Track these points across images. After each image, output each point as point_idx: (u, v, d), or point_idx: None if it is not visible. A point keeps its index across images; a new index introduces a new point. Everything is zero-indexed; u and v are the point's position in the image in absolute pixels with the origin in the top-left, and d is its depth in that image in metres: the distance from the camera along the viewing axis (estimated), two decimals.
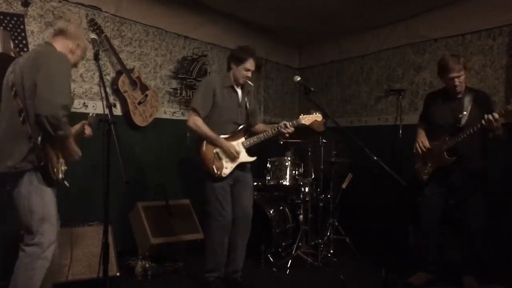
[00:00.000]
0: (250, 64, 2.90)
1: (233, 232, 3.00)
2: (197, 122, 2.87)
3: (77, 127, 2.39)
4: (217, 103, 2.92)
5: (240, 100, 3.01)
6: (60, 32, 2.20)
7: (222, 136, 2.90)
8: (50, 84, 1.94)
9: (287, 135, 2.95)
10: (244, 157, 2.95)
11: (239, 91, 3.02)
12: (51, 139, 2.01)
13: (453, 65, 2.91)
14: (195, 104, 2.91)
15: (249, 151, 2.99)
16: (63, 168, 2.15)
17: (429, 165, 3.10)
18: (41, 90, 1.93)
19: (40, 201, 2.05)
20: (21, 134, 2.01)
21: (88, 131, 2.42)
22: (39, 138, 1.96)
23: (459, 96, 3.02)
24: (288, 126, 2.90)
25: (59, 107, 1.91)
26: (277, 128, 2.94)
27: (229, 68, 3.01)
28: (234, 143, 2.93)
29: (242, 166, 2.97)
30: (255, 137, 2.98)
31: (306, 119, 2.98)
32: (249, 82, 3.02)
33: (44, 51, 2.10)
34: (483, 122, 2.71)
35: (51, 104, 1.90)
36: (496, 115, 2.65)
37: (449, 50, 4.14)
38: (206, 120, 2.91)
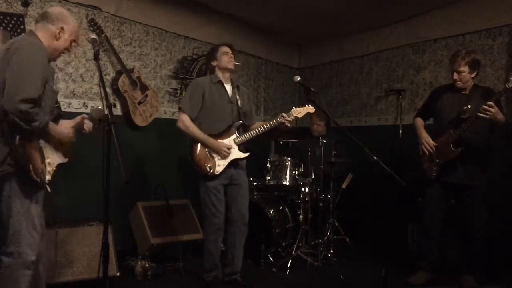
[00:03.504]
0: (223, 48, 3.00)
1: (230, 233, 3.02)
2: (185, 122, 2.90)
3: (77, 119, 2.23)
4: (207, 102, 2.94)
5: (230, 95, 3.03)
6: (41, 17, 2.08)
7: (213, 134, 2.92)
8: (15, 77, 1.83)
9: (288, 124, 2.96)
10: (236, 154, 2.96)
11: (228, 87, 3.04)
12: (31, 136, 1.89)
13: (456, 59, 2.94)
14: (183, 104, 2.95)
15: (242, 147, 3.00)
16: (51, 168, 2.05)
17: (437, 161, 3.09)
18: (7, 84, 1.83)
19: (20, 207, 1.95)
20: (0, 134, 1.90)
21: (88, 126, 2.24)
22: (17, 137, 1.85)
23: (466, 92, 3.02)
24: (285, 116, 2.93)
25: (21, 102, 1.78)
26: (274, 122, 2.96)
27: (212, 71, 3.07)
28: (226, 140, 2.94)
29: (235, 163, 2.98)
30: (247, 133, 2.99)
31: (297, 112, 3.00)
32: (237, 63, 3.05)
33: (18, 40, 1.98)
34: (479, 113, 2.73)
35: (14, 99, 1.79)
36: (491, 103, 2.68)
37: (449, 50, 4.14)
38: (198, 120, 2.93)
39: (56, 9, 2.13)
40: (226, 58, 2.97)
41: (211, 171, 2.88)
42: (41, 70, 1.92)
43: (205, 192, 2.91)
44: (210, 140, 2.89)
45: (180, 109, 2.96)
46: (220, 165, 2.91)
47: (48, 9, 2.14)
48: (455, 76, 2.97)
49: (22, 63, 1.86)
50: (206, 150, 2.90)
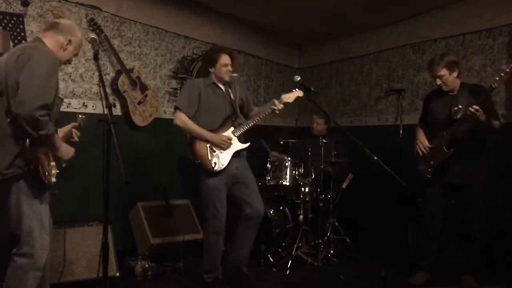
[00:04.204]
0: (224, 59, 2.98)
1: (245, 227, 2.98)
2: (183, 118, 2.90)
3: (66, 129, 2.27)
4: (204, 102, 2.96)
5: (225, 94, 3.06)
6: (51, 26, 2.13)
7: (211, 129, 2.93)
8: (30, 83, 1.86)
9: (277, 111, 3.00)
10: (237, 145, 2.97)
11: (222, 86, 3.06)
12: (39, 140, 1.92)
13: (432, 66, 2.99)
14: (180, 103, 2.96)
15: (241, 138, 3.02)
16: (55, 171, 2.06)
17: (432, 162, 3.10)
18: (21, 89, 1.86)
19: (29, 210, 1.97)
20: (8, 136, 1.91)
21: (75, 137, 2.28)
22: (28, 140, 1.88)
23: (455, 93, 3.04)
24: (277, 103, 2.98)
25: (36, 108, 1.82)
26: (268, 109, 3.00)
27: (207, 74, 3.07)
28: (225, 133, 2.96)
29: (237, 154, 2.98)
30: (243, 124, 3.01)
31: (287, 97, 3.03)
32: (234, 74, 3.07)
33: (30, 47, 2.01)
34: (467, 112, 2.76)
35: (28, 104, 1.82)
36: (476, 107, 2.71)
37: (449, 50, 4.14)
38: (195, 119, 2.94)
39: (66, 21, 2.20)
40: (224, 70, 2.97)
41: (216, 166, 2.88)
42: (54, 77, 1.98)
43: (206, 193, 2.90)
44: (210, 134, 2.90)
45: (176, 108, 2.95)
46: (224, 158, 2.91)
47: (59, 20, 2.19)
48: (438, 81, 3.01)
49: (38, 70, 1.90)
50: (207, 145, 2.90)
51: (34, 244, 1.99)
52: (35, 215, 1.99)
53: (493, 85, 2.68)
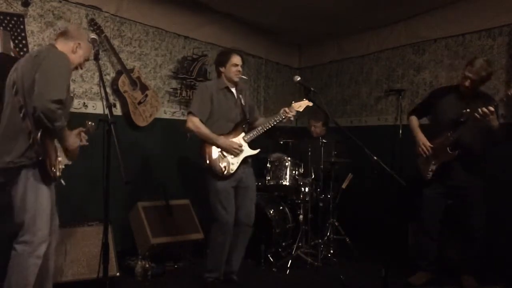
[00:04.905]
0: (235, 59, 3.00)
1: (234, 234, 3.00)
2: (195, 122, 2.91)
3: (74, 132, 2.37)
4: (216, 107, 2.96)
5: (236, 99, 3.07)
6: (61, 34, 2.30)
7: (222, 134, 2.93)
8: (46, 80, 2.01)
9: (291, 119, 3.03)
10: (248, 151, 3.00)
11: (234, 91, 3.07)
12: (49, 134, 2.05)
13: (472, 66, 2.89)
14: (193, 109, 2.96)
15: (251, 144, 3.03)
16: (61, 166, 2.20)
17: (433, 163, 3.09)
18: (37, 85, 2.00)
19: (34, 199, 2.08)
20: (21, 130, 2.06)
21: (83, 141, 2.39)
22: (39, 134, 2.00)
23: (470, 96, 2.99)
24: (287, 111, 2.99)
25: (51, 101, 1.95)
26: (278, 117, 2.99)
27: (219, 75, 3.08)
28: (235, 139, 2.97)
29: (245, 160, 3.00)
30: (254, 130, 3.03)
31: (298, 106, 3.05)
32: (243, 76, 3.09)
33: (45, 50, 2.18)
34: (476, 114, 2.73)
35: (44, 98, 1.96)
36: (492, 108, 2.69)
37: (449, 50, 4.15)
38: (207, 124, 2.94)
39: (72, 27, 2.36)
40: (234, 70, 2.98)
41: (226, 171, 2.89)
42: (67, 76, 2.16)
43: (215, 195, 2.91)
44: (221, 140, 2.90)
45: (190, 113, 2.95)
46: (234, 163, 2.93)
47: (67, 28, 2.35)
48: (466, 82, 2.94)
49: (52, 69, 2.06)
50: (218, 150, 2.92)
51: (36, 232, 2.09)
52: (39, 204, 2.09)
53: (509, 93, 2.66)
